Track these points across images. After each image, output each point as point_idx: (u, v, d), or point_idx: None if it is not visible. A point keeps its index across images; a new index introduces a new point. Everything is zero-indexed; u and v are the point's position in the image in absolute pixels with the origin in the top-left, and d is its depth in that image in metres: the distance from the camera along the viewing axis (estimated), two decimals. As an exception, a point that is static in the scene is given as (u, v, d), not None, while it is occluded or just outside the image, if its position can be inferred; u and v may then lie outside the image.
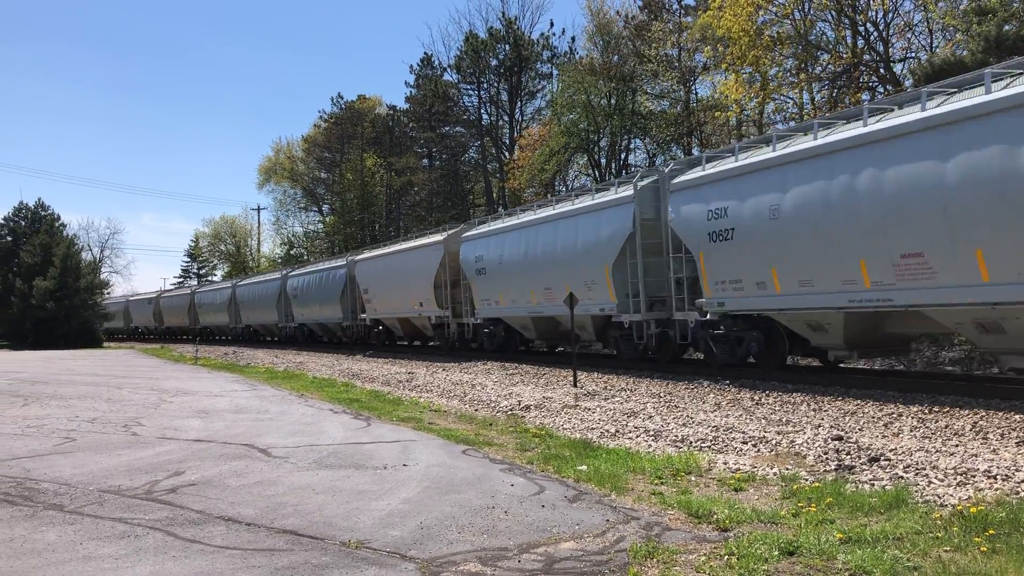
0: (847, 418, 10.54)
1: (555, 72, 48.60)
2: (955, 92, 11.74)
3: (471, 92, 52.93)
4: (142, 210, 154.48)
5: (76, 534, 6.06)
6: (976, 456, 7.78)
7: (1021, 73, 10.83)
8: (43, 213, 65.04)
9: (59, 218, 65.15)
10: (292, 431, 11.35)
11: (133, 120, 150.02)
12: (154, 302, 67.99)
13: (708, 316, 16.23)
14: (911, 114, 11.91)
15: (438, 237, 28.25)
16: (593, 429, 10.77)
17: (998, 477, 6.88)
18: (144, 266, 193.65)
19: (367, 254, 35.49)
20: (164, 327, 66.97)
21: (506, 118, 52.42)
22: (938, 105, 11.54)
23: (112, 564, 5.31)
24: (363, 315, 34.45)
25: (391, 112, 62.44)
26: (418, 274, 28.77)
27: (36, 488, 7.74)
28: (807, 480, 7.29)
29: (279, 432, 11.24)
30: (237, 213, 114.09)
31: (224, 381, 21.60)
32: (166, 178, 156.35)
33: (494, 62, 50.51)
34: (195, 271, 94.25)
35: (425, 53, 62.47)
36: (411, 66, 70.20)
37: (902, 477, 7.15)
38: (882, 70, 27.01)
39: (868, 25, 27.22)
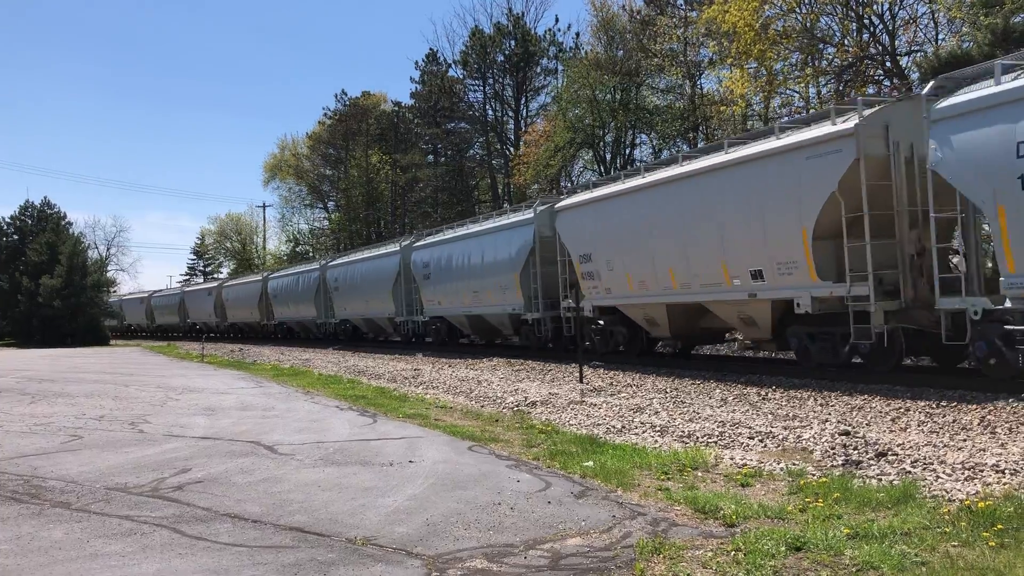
0: (854, 413, 10.51)
1: (560, 67, 48.55)
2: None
3: (476, 88, 52.98)
4: (148, 208, 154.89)
5: (83, 532, 6.07)
6: (984, 451, 7.75)
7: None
8: (49, 211, 65.16)
9: (65, 216, 65.30)
10: (298, 428, 11.36)
11: (139, 118, 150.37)
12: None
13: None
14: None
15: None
16: (599, 425, 10.75)
17: (1006, 472, 6.85)
18: (150, 264, 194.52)
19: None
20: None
21: (511, 114, 52.43)
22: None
23: (119, 561, 5.32)
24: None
25: (396, 108, 62.42)
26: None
27: (43, 486, 7.76)
28: (814, 475, 7.27)
29: (285, 429, 11.25)
30: (243, 210, 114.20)
31: (230, 378, 21.64)
32: (172, 176, 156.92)
33: (500, 58, 50.50)
34: (201, 268, 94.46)
35: (430, 49, 62.31)
36: (416, 62, 70.24)
37: (909, 472, 7.12)
38: (888, 64, 26.90)
39: (874, 18, 27.12)
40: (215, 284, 57.87)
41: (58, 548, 5.66)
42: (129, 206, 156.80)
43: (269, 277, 47.71)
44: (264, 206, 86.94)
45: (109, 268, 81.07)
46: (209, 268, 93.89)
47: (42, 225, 63.16)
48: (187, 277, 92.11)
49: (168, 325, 65.43)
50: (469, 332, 28.92)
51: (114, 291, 71.50)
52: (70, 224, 65.10)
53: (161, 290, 73.48)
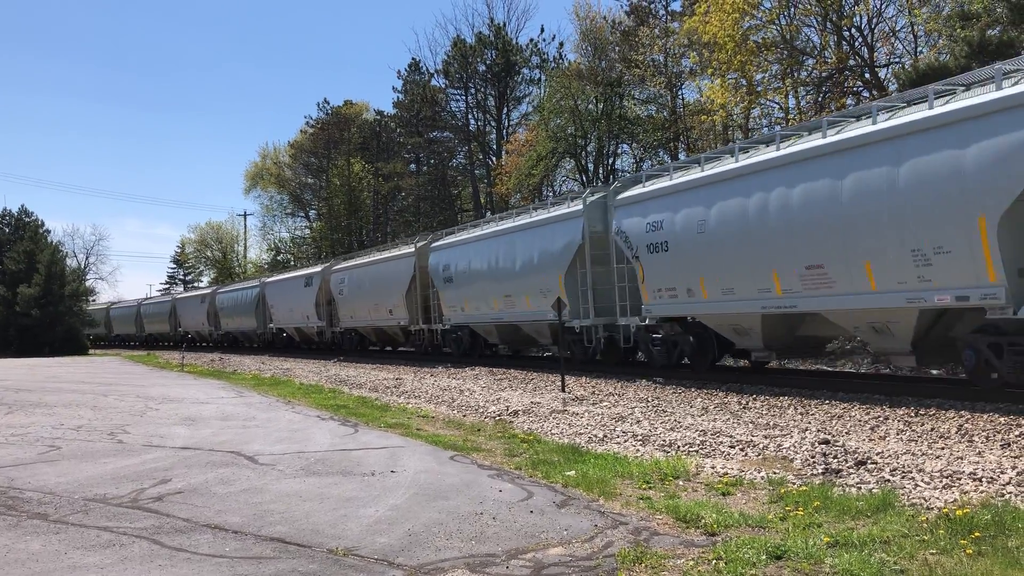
0: (834, 421, 10.58)
1: (542, 77, 48.72)
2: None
3: (458, 97, 52.98)
4: (127, 216, 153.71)
5: (61, 543, 6.01)
6: (962, 459, 7.82)
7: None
8: (27, 219, 64.68)
9: (43, 224, 64.84)
10: (279, 438, 11.30)
11: (119, 126, 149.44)
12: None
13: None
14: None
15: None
16: (581, 434, 10.76)
17: (983, 480, 6.92)
18: (129, 273, 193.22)
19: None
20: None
21: (493, 123, 52.47)
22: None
23: (97, 573, 5.27)
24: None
25: (378, 117, 62.42)
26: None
27: (20, 497, 7.67)
28: (794, 484, 7.31)
29: (266, 439, 11.19)
30: (223, 219, 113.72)
31: (211, 388, 21.50)
32: (152, 184, 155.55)
33: (482, 67, 50.57)
34: (181, 278, 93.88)
35: (413, 58, 62.43)
36: (399, 71, 70.27)
37: (889, 480, 7.17)
38: (867, 75, 27.19)
39: (853, 30, 27.41)
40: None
41: (35, 560, 5.60)
42: (108, 214, 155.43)
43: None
44: (245, 215, 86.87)
45: (88, 277, 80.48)
46: (189, 277, 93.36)
47: (20, 233, 62.66)
48: (167, 286, 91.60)
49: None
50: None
51: (93, 300, 70.88)
52: (48, 232, 64.69)
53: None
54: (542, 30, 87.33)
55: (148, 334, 60.71)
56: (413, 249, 28.92)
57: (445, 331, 27.15)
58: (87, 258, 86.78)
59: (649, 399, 14.01)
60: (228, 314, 49.49)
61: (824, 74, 27.55)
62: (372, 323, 32.38)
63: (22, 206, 67.98)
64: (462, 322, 25.78)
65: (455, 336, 26.72)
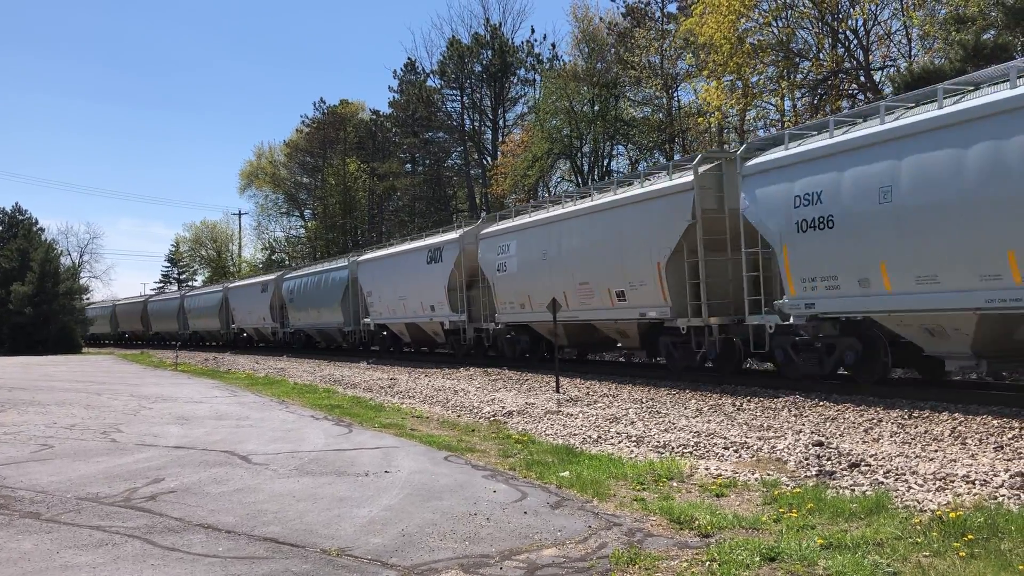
0: (828, 424, 10.60)
1: (538, 78, 48.74)
2: None
3: (454, 97, 53.04)
4: (121, 215, 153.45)
5: (53, 543, 5.98)
6: (955, 461, 7.84)
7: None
8: (21, 217, 64.54)
9: (37, 223, 64.73)
10: (273, 438, 11.28)
11: (114, 124, 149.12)
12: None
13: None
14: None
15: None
16: (575, 435, 10.76)
17: (976, 482, 6.93)
18: (123, 271, 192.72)
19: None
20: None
21: (489, 124, 52.50)
22: None
23: (90, 573, 5.25)
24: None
25: (374, 117, 62.41)
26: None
27: (12, 496, 7.64)
28: (788, 486, 7.31)
29: (260, 439, 11.17)
30: (218, 218, 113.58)
31: (204, 387, 21.45)
32: (147, 183, 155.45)
33: (477, 68, 50.61)
34: (176, 276, 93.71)
35: (409, 58, 62.42)
36: (395, 71, 70.33)
37: (882, 482, 7.18)
38: (862, 78, 27.25)
39: (848, 33, 27.47)
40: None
41: (27, 559, 5.58)
42: (102, 212, 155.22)
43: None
44: (240, 214, 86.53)
45: (82, 275, 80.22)
46: (184, 276, 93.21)
47: (13, 231, 62.55)
48: (161, 285, 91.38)
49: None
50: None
51: (86, 298, 70.59)
52: (42, 231, 64.57)
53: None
54: (532, 31, 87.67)
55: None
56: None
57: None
58: (81, 256, 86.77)
59: (643, 400, 14.01)
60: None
61: (820, 77, 27.61)
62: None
63: (16, 204, 67.74)
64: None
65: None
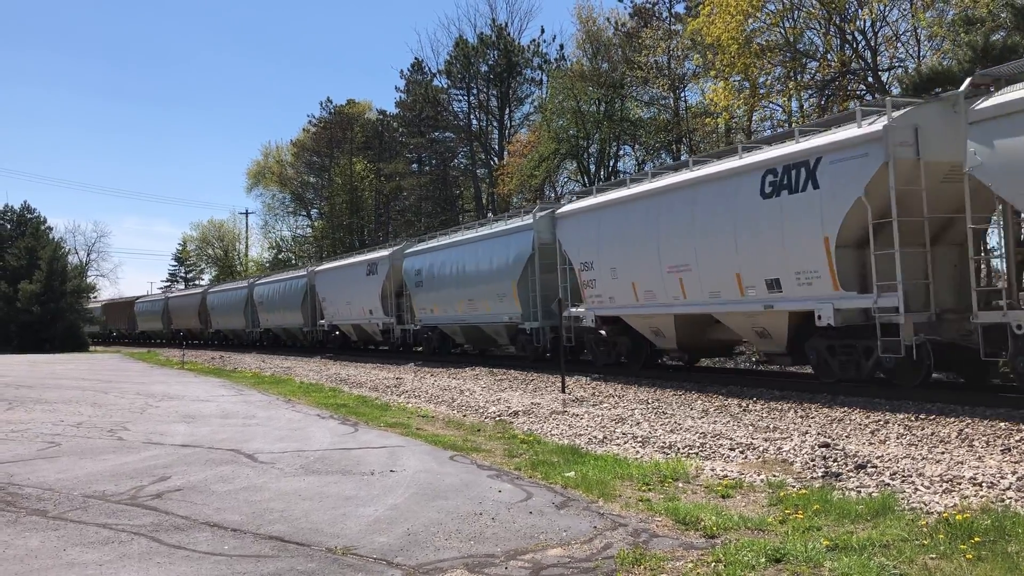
0: (834, 425, 10.57)
1: (545, 78, 48.72)
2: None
3: (461, 97, 53.01)
4: (128, 213, 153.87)
5: (59, 540, 6.00)
6: (962, 463, 7.81)
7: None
8: (29, 216, 64.79)
9: (45, 221, 64.94)
10: (279, 436, 11.30)
11: (122, 123, 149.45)
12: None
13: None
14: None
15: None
16: (581, 435, 10.76)
17: (983, 484, 6.91)
18: (131, 270, 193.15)
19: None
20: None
21: (496, 124, 52.48)
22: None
23: (96, 570, 5.27)
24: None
25: (381, 117, 62.44)
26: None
27: (19, 493, 7.67)
28: (794, 487, 7.30)
29: (266, 437, 11.19)
30: (225, 217, 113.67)
31: (210, 386, 21.50)
32: (153, 182, 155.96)
33: (484, 68, 50.58)
34: (183, 275, 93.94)
35: (415, 58, 62.55)
36: (401, 71, 70.21)
37: (888, 484, 7.17)
38: (870, 78, 27.16)
39: (856, 34, 27.38)
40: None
41: (34, 556, 5.60)
42: (109, 211, 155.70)
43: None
44: (247, 213, 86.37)
45: (89, 274, 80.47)
46: (191, 274, 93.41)
47: (21, 230, 62.78)
48: (168, 284, 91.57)
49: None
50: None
51: (94, 297, 70.77)
52: (50, 229, 64.77)
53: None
54: (542, 31, 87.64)
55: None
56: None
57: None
58: (88, 255, 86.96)
59: (649, 401, 14.00)
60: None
61: (827, 77, 27.53)
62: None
63: (24, 202, 68.31)
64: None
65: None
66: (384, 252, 31.58)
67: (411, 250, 29.60)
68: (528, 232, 21.60)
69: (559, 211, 20.44)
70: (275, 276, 46.79)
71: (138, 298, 69.85)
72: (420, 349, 29.92)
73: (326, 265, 38.38)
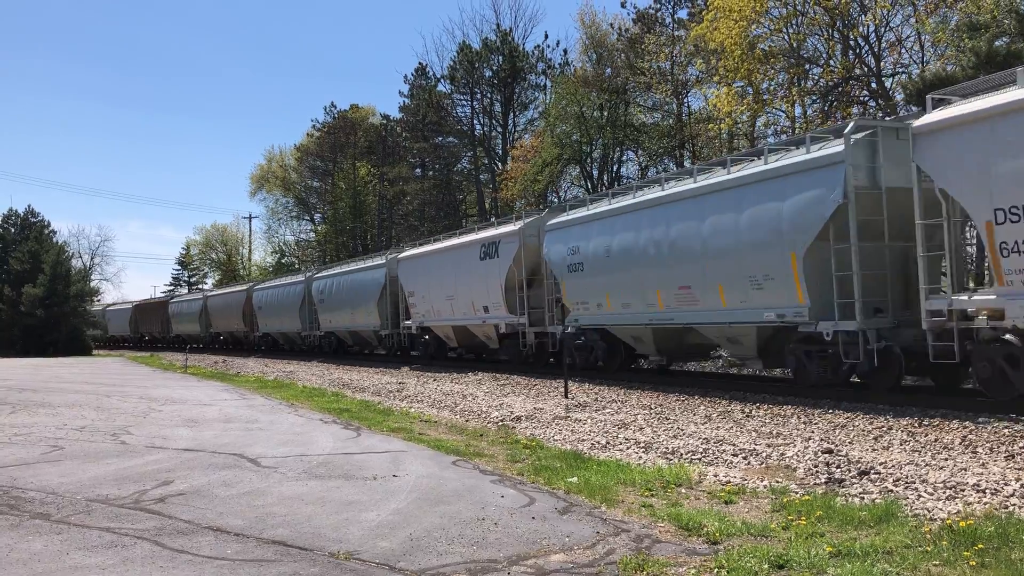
0: (837, 431, 10.56)
1: (548, 84, 48.77)
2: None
3: (464, 102, 53.07)
4: (132, 218, 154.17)
5: (63, 544, 6.01)
6: (965, 470, 7.79)
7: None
8: (33, 220, 65.02)
9: (49, 225, 65.17)
10: (282, 441, 11.30)
11: (125, 127, 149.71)
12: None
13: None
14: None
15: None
16: (584, 441, 10.75)
17: (987, 491, 6.89)
18: (134, 274, 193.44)
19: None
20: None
21: (499, 129, 52.54)
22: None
23: (99, 574, 5.28)
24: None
25: (384, 122, 62.53)
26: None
27: (22, 497, 7.68)
28: (797, 493, 7.29)
29: (268, 442, 11.19)
30: (228, 221, 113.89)
31: (213, 390, 21.51)
32: (157, 186, 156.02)
33: (488, 73, 50.65)
34: (186, 279, 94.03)
35: (419, 63, 62.60)
36: (405, 76, 70.59)
37: (892, 491, 7.16)
38: (873, 84, 27.18)
39: (859, 40, 27.40)
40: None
41: (37, 560, 5.61)
42: (113, 215, 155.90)
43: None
44: (250, 217, 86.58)
45: (93, 278, 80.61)
46: (194, 279, 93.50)
47: (25, 234, 62.96)
48: (171, 288, 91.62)
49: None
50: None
51: (98, 300, 70.82)
52: (54, 233, 64.94)
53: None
54: (546, 36, 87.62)
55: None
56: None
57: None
58: (92, 259, 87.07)
59: (652, 406, 13.99)
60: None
61: (830, 83, 27.55)
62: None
63: (29, 207, 68.53)
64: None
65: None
66: (511, 227, 23.06)
67: (557, 220, 21.07)
68: (837, 168, 12.82)
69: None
70: (339, 268, 37.24)
71: (171, 298, 64.97)
72: (554, 362, 21.40)
73: (413, 251, 29.63)
